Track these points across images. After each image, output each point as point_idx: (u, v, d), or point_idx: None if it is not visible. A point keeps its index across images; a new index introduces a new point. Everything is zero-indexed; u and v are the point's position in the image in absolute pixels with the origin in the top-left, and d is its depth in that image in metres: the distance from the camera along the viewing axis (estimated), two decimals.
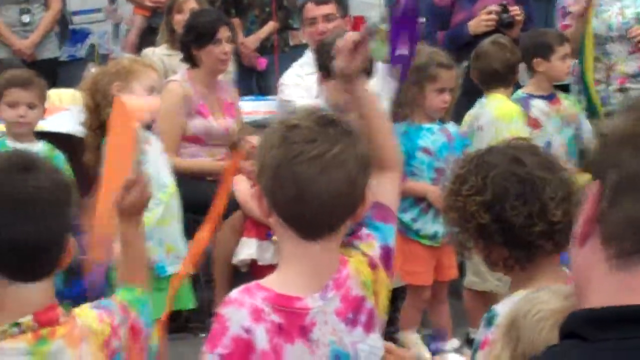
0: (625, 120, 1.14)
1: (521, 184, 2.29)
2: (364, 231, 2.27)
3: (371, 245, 2.27)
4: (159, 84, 4.24)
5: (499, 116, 4.82)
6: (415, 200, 4.48)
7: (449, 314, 4.70)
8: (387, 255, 2.29)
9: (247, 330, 2.06)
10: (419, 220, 4.49)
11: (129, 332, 2.23)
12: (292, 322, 2.10)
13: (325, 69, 4.29)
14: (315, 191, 2.07)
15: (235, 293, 2.12)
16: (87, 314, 2.19)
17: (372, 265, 2.25)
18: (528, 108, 5.10)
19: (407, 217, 4.48)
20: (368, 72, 4.09)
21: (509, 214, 2.27)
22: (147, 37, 6.57)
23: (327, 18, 5.24)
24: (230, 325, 2.07)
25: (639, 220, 1.09)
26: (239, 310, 2.08)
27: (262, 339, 2.07)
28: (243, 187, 4.72)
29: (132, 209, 2.41)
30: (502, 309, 2.14)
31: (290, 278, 2.13)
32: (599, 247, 1.11)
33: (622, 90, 5.73)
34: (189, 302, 4.28)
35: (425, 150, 4.48)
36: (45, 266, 2.11)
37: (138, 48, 6.45)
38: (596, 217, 1.12)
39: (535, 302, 1.71)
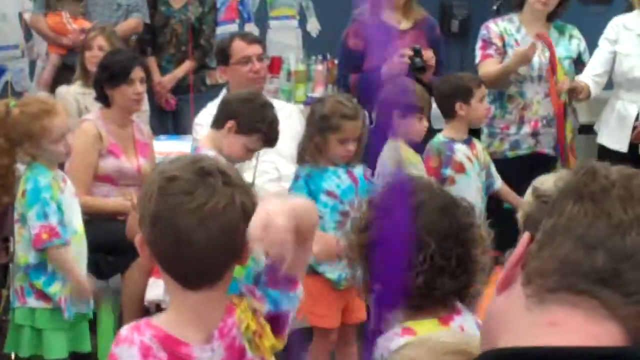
0: (572, 181, 1.18)
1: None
2: (257, 292, 2.27)
3: (261, 307, 2.27)
4: (67, 127, 4.23)
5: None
6: None
7: (357, 357, 4.70)
8: (276, 320, 2.27)
9: None
10: (322, 264, 4.50)
11: None
12: None
13: (219, 124, 4.32)
14: (194, 242, 2.09)
15: (125, 330, 2.14)
16: None
17: (258, 319, 2.25)
18: (453, 152, 5.14)
19: (311, 260, 4.48)
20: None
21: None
22: (62, 75, 6.52)
23: (260, 57, 5.25)
24: None
25: (570, 260, 1.11)
26: (129, 348, 2.10)
27: None
28: None
29: None
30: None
31: (178, 323, 2.15)
32: (518, 289, 1.13)
33: (533, 134, 5.81)
34: (86, 346, 4.28)
35: (330, 194, 4.50)
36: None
37: (53, 86, 6.40)
38: (521, 262, 1.15)
39: None
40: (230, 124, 4.28)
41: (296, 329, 4.61)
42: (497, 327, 1.15)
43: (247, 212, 2.13)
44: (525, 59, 5.62)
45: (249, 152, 4.31)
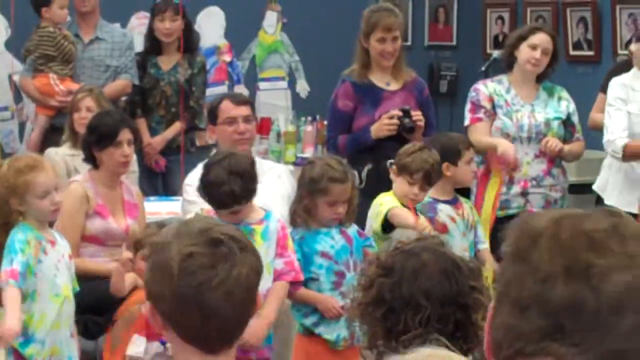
0: (509, 240, 1.17)
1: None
2: None
3: None
4: (53, 184, 4.23)
5: (371, 215, 4.86)
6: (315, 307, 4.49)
7: None
8: None
9: None
10: (321, 325, 4.48)
11: None
12: None
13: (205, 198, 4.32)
14: (221, 314, 2.10)
15: None
16: None
17: None
18: (435, 212, 5.14)
19: (308, 321, 4.48)
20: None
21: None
22: (51, 136, 6.52)
23: (247, 119, 5.26)
24: None
25: (512, 326, 1.10)
26: None
27: None
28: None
29: None
30: None
31: None
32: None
33: (523, 194, 5.81)
34: None
35: (324, 255, 4.49)
36: None
37: (41, 147, 6.40)
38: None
39: None
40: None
41: None
42: None
43: (260, 271, 2.18)
44: (507, 157, 5.65)
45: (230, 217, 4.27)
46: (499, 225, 5.53)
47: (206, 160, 4.47)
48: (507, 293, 1.13)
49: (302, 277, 4.42)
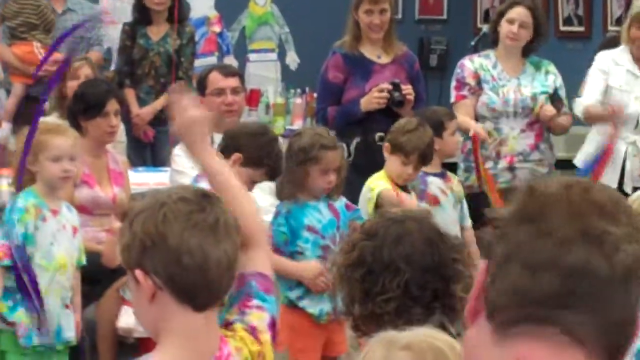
0: (515, 202, 1.17)
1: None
2: (254, 302, 2.30)
3: (261, 317, 2.29)
4: (69, 151, 4.25)
5: (363, 200, 4.85)
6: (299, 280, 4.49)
7: None
8: (274, 326, 2.32)
9: None
10: (305, 299, 4.48)
11: None
12: None
13: (223, 155, 4.32)
14: (215, 259, 2.10)
15: None
16: None
17: (257, 338, 2.26)
18: (426, 185, 5.15)
19: (293, 295, 4.49)
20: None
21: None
22: (26, 106, 6.43)
23: (235, 90, 5.25)
24: None
25: (522, 288, 1.10)
26: None
27: None
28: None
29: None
30: None
31: (177, 357, 2.11)
32: (484, 323, 1.13)
33: (510, 169, 5.83)
34: None
35: (310, 229, 4.49)
36: None
37: (16, 116, 6.37)
38: (482, 293, 1.14)
39: None
40: (235, 156, 4.28)
41: None
42: None
43: (239, 231, 2.18)
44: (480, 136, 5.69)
45: (252, 184, 4.29)
46: (486, 200, 5.55)
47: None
48: (516, 254, 1.12)
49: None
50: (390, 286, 2.34)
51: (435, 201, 5.13)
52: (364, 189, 4.86)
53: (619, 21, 7.18)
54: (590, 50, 6.81)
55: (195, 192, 2.17)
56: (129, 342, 5.03)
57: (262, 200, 5.17)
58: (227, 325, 2.27)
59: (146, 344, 4.85)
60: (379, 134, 5.47)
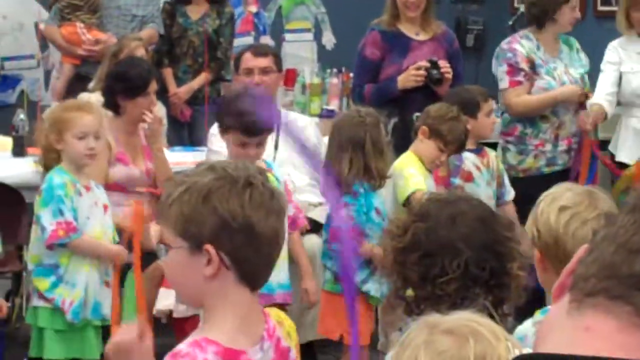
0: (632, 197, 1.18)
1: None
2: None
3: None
4: (94, 129, 4.25)
5: (395, 182, 4.78)
6: (365, 261, 4.47)
7: None
8: None
9: None
10: (368, 282, 4.49)
11: None
12: None
13: (223, 124, 4.33)
14: (280, 247, 2.16)
15: (185, 347, 2.07)
16: None
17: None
18: (461, 161, 5.13)
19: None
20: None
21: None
22: (76, 85, 6.51)
23: (264, 70, 5.26)
24: None
25: (612, 263, 1.11)
26: None
27: None
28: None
29: None
30: None
31: (232, 331, 2.12)
32: (567, 295, 1.14)
33: (568, 151, 5.82)
34: (94, 353, 4.27)
35: (377, 211, 4.52)
36: None
37: (66, 96, 6.40)
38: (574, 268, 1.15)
39: None
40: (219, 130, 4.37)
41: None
42: (545, 332, 1.16)
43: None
44: (573, 99, 5.70)
45: (245, 149, 4.24)
46: (544, 182, 5.52)
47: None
48: (616, 236, 1.13)
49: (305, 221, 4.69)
50: (451, 267, 2.35)
51: (468, 177, 5.13)
52: (395, 170, 4.74)
53: None
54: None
55: (261, 172, 2.18)
56: (162, 322, 5.07)
57: (298, 180, 5.19)
58: None
59: (181, 324, 4.89)
60: (417, 114, 5.46)
